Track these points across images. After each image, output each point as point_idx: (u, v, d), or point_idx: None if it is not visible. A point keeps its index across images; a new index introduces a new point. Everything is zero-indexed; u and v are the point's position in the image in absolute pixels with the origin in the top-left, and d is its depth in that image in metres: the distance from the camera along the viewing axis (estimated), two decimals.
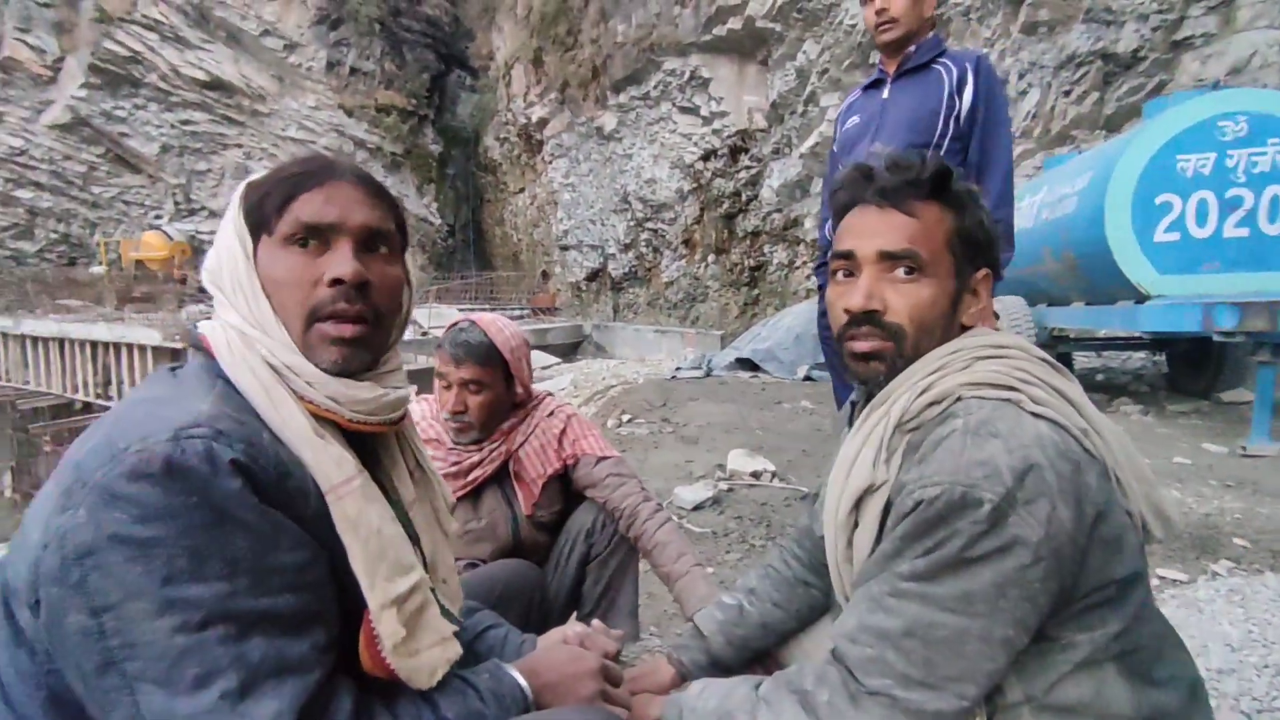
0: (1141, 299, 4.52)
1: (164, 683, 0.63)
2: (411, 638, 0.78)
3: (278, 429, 0.75)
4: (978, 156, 2.21)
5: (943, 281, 0.91)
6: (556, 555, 1.68)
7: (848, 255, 0.94)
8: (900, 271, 0.91)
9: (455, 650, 0.83)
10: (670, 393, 6.62)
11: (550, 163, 17.77)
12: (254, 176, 0.85)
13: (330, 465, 0.76)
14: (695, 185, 14.44)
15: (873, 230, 0.93)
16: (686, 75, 13.82)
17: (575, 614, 1.67)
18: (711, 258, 14.58)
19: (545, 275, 18.87)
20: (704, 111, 13.86)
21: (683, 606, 1.53)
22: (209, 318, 0.85)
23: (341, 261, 0.80)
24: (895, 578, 0.80)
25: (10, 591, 0.70)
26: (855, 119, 2.43)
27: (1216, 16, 7.15)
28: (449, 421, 1.63)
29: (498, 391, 1.63)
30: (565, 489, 1.74)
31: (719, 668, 1.19)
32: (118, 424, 0.70)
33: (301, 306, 0.79)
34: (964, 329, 0.94)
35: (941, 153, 2.17)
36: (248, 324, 0.80)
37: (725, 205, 14.01)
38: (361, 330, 0.81)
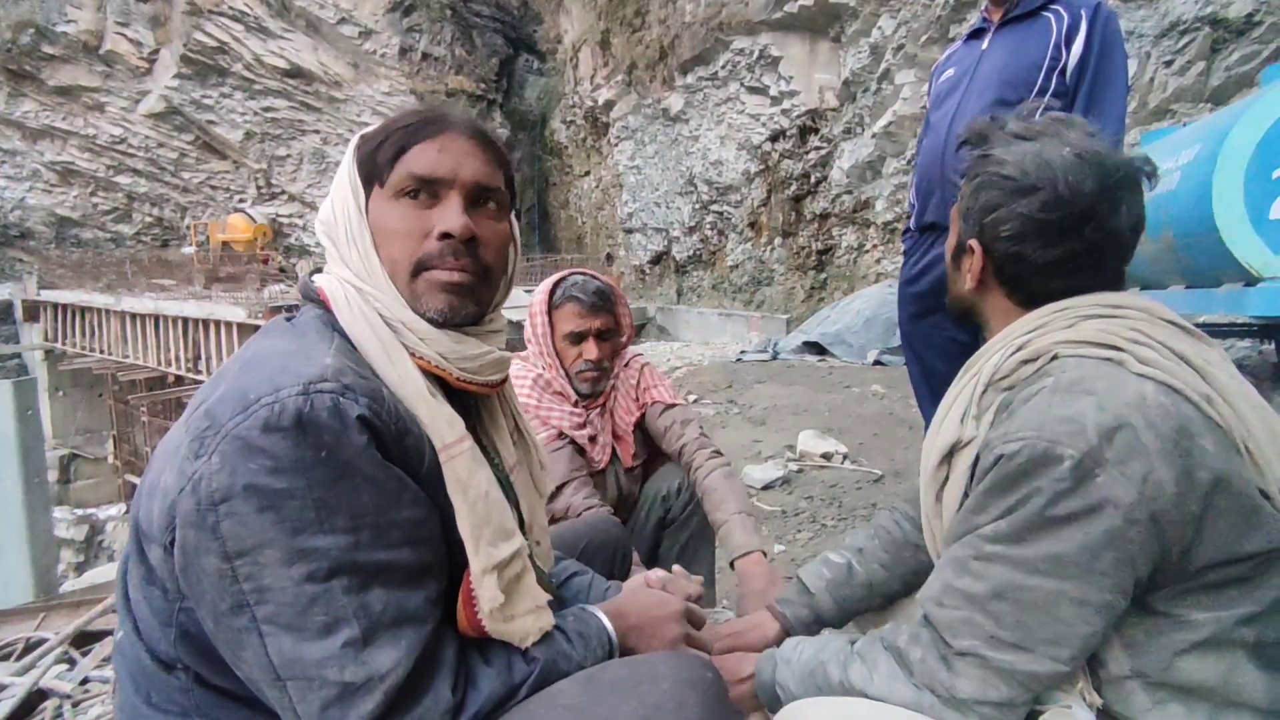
0: (1251, 281, 4.20)
1: (292, 628, 0.65)
2: (508, 604, 0.78)
3: (394, 386, 0.75)
4: (1082, 116, 1.99)
5: (950, 240, 1.02)
6: (634, 518, 1.69)
7: None
8: None
9: (548, 620, 0.82)
10: (736, 374, 6.56)
11: (616, 145, 17.74)
12: (367, 129, 0.85)
13: (443, 425, 0.76)
14: (763, 167, 14.17)
15: None
16: (756, 54, 13.53)
17: None
18: (778, 240, 14.31)
19: (610, 258, 18.92)
20: (773, 91, 13.56)
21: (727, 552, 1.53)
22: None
23: (451, 215, 0.80)
24: (980, 540, 0.80)
25: (142, 532, 0.72)
26: (950, 72, 2.21)
27: None
28: (584, 374, 1.64)
29: (618, 337, 1.71)
30: (645, 437, 1.78)
31: (823, 624, 1.20)
32: (246, 373, 0.70)
33: (410, 257, 0.80)
34: (974, 288, 0.96)
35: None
36: (360, 278, 0.80)
37: (793, 187, 13.71)
38: (468, 278, 0.81)
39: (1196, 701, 0.76)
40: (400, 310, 0.79)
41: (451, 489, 0.75)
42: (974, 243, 0.94)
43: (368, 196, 0.81)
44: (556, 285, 1.70)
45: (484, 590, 0.75)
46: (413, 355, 0.78)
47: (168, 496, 0.67)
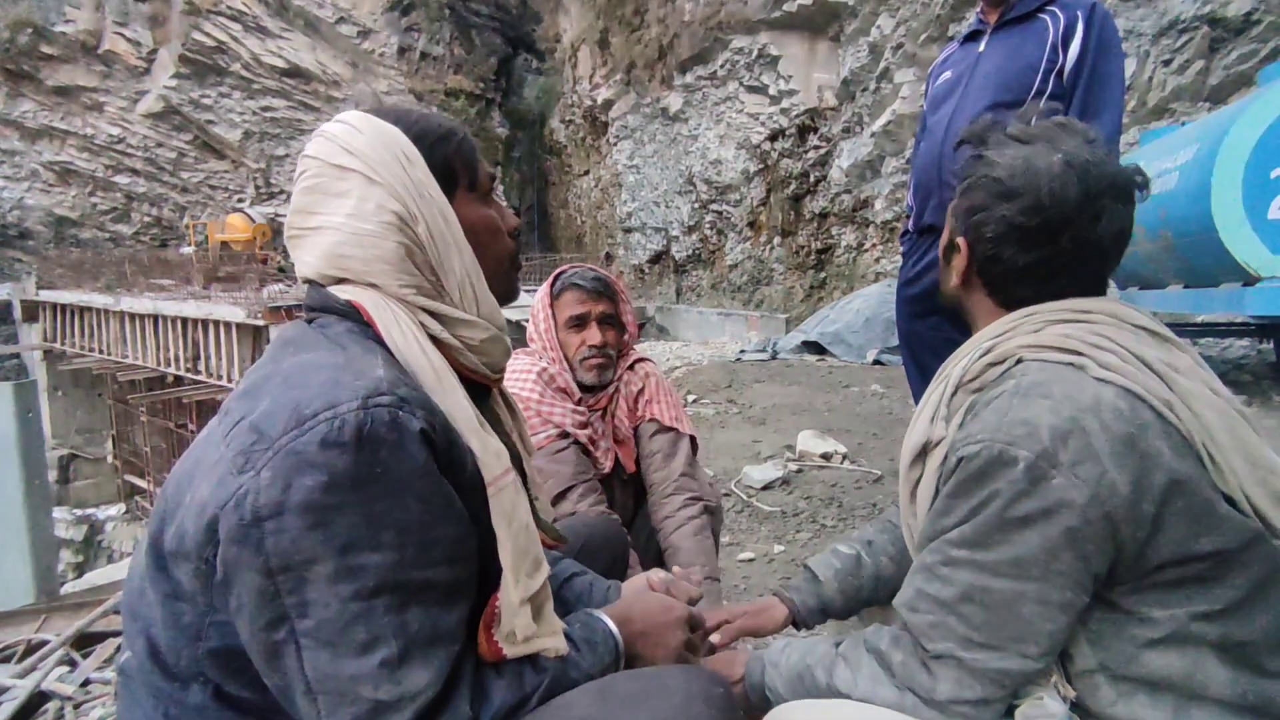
0: (1250, 281, 4.21)
1: (331, 644, 0.65)
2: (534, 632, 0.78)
3: (448, 412, 0.75)
4: (1078, 117, 1.93)
5: (943, 237, 1.02)
6: (636, 537, 1.66)
7: None
8: None
9: (562, 644, 0.81)
10: (735, 374, 6.56)
11: (615, 144, 17.74)
12: (412, 134, 0.81)
13: (492, 458, 0.76)
14: (762, 166, 14.18)
15: None
16: (754, 53, 13.54)
17: None
18: (777, 240, 14.32)
19: (609, 257, 18.91)
20: (772, 90, 13.57)
21: None
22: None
23: (511, 212, 0.91)
24: (947, 545, 0.83)
25: (167, 551, 0.71)
26: (947, 74, 2.20)
27: None
28: (589, 360, 1.60)
29: (621, 331, 1.67)
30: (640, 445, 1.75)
31: (828, 614, 1.22)
32: (293, 387, 0.69)
33: (509, 253, 0.88)
34: (959, 285, 0.98)
35: None
36: (452, 285, 0.80)
37: (792, 186, 13.72)
38: None
39: (1161, 694, 0.78)
40: (489, 312, 0.83)
41: (496, 520, 0.75)
42: (961, 240, 0.96)
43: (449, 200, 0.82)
44: (557, 278, 1.67)
45: (519, 620, 0.75)
46: (457, 364, 0.80)
47: (205, 511, 0.66)
